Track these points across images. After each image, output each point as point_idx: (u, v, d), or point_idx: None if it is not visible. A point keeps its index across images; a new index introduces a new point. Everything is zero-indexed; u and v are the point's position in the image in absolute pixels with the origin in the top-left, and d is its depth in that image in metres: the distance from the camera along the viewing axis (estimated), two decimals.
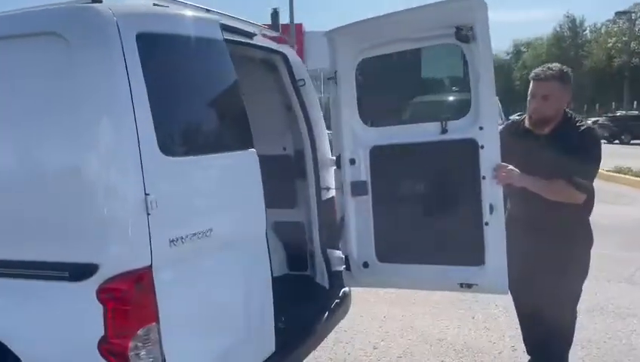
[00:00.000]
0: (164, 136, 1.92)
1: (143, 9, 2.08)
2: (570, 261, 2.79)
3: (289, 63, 3.14)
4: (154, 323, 1.85)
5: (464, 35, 2.71)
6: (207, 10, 2.60)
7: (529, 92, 2.80)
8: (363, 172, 3.12)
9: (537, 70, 2.79)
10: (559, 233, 2.77)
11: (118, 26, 1.87)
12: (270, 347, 2.43)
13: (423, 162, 3.04)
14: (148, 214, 1.81)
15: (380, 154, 3.12)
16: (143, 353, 1.82)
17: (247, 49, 2.92)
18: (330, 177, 3.31)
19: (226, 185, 2.23)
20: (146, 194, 1.81)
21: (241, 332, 2.26)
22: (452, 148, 2.89)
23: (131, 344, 1.79)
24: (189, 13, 2.26)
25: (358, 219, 3.20)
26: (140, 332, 1.82)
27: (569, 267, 2.81)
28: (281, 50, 3.12)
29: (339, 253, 3.30)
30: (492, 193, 2.78)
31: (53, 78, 1.87)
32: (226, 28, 2.51)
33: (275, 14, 3.91)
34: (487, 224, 2.82)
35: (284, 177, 3.39)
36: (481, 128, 2.78)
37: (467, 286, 2.95)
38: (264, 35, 3.17)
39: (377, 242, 3.18)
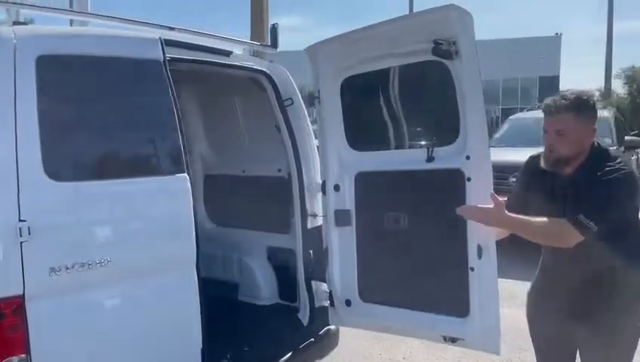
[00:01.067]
0: (53, 160, 1.85)
1: (52, 31, 2.04)
2: (616, 326, 2.19)
3: (274, 82, 2.96)
4: (23, 355, 1.77)
5: (445, 50, 2.31)
6: (170, 28, 2.53)
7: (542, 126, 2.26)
8: (347, 200, 2.83)
9: (548, 101, 2.21)
10: (601, 287, 2.20)
11: (15, 48, 1.85)
12: None
13: (407, 193, 2.67)
14: (21, 241, 1.74)
15: (364, 182, 2.80)
16: None
17: (224, 69, 2.80)
18: (317, 203, 3.05)
19: (137, 213, 2.10)
20: (20, 220, 1.74)
21: None
22: (437, 179, 2.49)
23: None
24: (111, 33, 2.19)
25: (342, 252, 2.90)
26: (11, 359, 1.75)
27: (615, 335, 2.21)
28: (262, 68, 2.93)
29: (325, 287, 3.02)
30: (481, 232, 2.33)
31: None
32: (184, 46, 2.41)
33: (273, 30, 3.69)
34: (472, 269, 2.38)
35: (279, 200, 3.19)
36: (467, 158, 2.36)
37: (451, 339, 2.52)
38: (254, 54, 3.04)
39: (360, 279, 2.86)
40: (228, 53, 2.81)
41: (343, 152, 2.86)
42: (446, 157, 2.49)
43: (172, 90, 2.23)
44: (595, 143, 2.23)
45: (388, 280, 2.77)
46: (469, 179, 2.33)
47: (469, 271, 2.39)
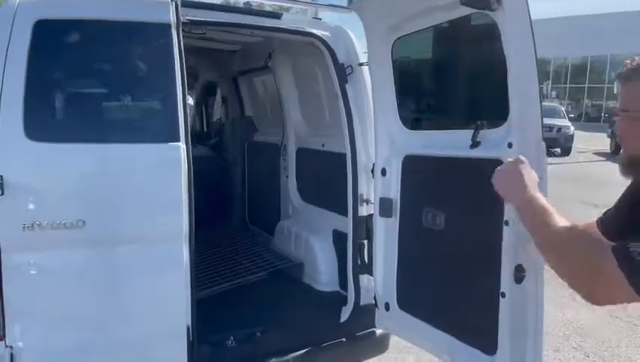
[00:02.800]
0: (34, 122, 1.92)
1: None
2: None
3: (329, 47, 2.62)
4: None
5: None
6: None
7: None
8: (392, 187, 2.41)
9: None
10: None
11: (16, 12, 1.95)
12: None
13: (447, 186, 2.13)
14: None
15: (411, 168, 2.35)
16: None
17: (274, 33, 2.59)
18: (371, 188, 2.65)
19: (117, 179, 2.05)
20: None
21: (121, 334, 2.08)
22: (476, 171, 1.90)
23: None
24: None
25: (386, 247, 2.49)
26: None
27: None
28: (314, 31, 2.62)
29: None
30: (518, 248, 1.73)
31: None
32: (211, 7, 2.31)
33: None
34: (503, 296, 1.79)
35: (335, 179, 2.88)
36: (510, 145, 1.75)
37: None
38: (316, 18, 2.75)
39: (399, 282, 2.43)
40: (278, 16, 2.58)
41: (394, 130, 2.42)
42: (492, 143, 1.89)
43: (180, 54, 2.12)
44: None
45: (421, 288, 2.29)
46: None
47: (500, 297, 1.80)
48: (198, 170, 4.80)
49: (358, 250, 2.68)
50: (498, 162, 1.74)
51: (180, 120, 2.10)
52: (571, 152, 16.75)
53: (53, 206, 1.96)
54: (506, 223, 1.76)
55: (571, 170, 13.35)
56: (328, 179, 3.11)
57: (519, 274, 1.76)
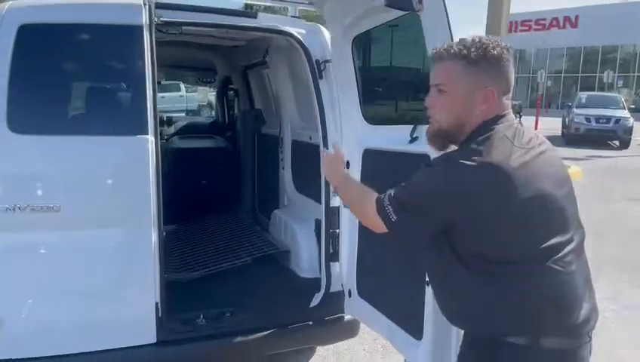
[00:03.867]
0: (16, 116, 2.17)
1: (36, 3, 2.32)
2: None
3: (303, 45, 2.74)
4: None
5: None
6: None
7: None
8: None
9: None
10: None
11: (3, 17, 2.20)
12: (147, 337, 2.38)
13: (395, 178, 2.20)
14: None
15: (368, 161, 2.44)
16: None
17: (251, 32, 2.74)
18: None
19: (91, 168, 2.28)
20: None
21: (93, 307, 2.31)
22: (409, 165, 1.98)
23: None
24: (91, 2, 2.36)
25: (350, 237, 2.60)
26: None
27: None
28: (287, 29, 2.73)
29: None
30: None
31: None
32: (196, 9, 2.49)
33: None
34: (428, 284, 1.88)
35: (318, 170, 3.00)
36: None
37: None
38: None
39: (358, 270, 2.54)
40: (254, 15, 2.72)
41: (357, 125, 2.51)
42: (423, 138, 1.96)
43: (151, 53, 2.31)
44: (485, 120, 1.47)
45: (373, 277, 2.39)
46: None
47: (426, 284, 1.88)
48: (213, 160, 5.04)
49: (330, 238, 2.80)
50: (426, 156, 1.83)
51: (149, 114, 2.30)
52: (630, 145, 15.95)
53: (32, 191, 2.21)
54: None
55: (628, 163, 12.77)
56: (313, 170, 3.24)
57: None
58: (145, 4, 2.34)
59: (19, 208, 2.17)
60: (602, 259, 4.99)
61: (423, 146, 1.94)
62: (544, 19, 37.81)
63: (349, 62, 2.43)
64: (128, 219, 2.35)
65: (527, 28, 38.42)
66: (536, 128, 21.04)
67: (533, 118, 21.95)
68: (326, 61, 2.70)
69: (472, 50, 1.41)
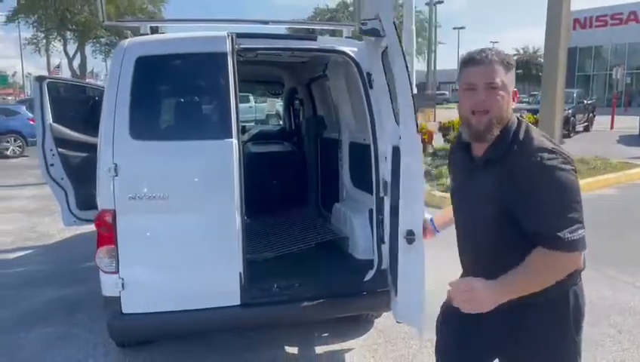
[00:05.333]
0: (135, 127, 2.86)
1: (149, 39, 3.02)
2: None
3: (355, 61, 3.27)
4: (113, 246, 2.89)
5: None
6: (264, 22, 3.26)
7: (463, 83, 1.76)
8: (387, 171, 2.95)
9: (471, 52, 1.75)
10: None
11: (124, 52, 2.91)
12: (233, 299, 3.00)
13: None
14: (112, 176, 2.83)
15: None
16: (106, 260, 2.90)
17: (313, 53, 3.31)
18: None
19: (191, 166, 2.93)
20: (113, 162, 2.83)
21: (193, 275, 2.96)
22: None
23: (101, 249, 2.89)
24: (188, 36, 3.03)
25: (390, 221, 3.09)
26: (106, 247, 2.89)
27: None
28: (342, 49, 3.28)
29: None
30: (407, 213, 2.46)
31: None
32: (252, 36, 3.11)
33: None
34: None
35: (370, 166, 3.50)
36: (399, 137, 2.55)
37: None
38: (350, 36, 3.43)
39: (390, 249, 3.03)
40: (314, 38, 3.31)
41: (389, 125, 2.98)
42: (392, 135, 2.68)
43: (234, 73, 2.94)
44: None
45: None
46: None
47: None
48: (283, 163, 5.70)
49: (380, 223, 3.31)
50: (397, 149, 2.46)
51: (233, 122, 2.93)
52: None
53: (147, 183, 2.89)
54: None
55: None
56: (367, 167, 3.76)
57: (410, 237, 2.34)
58: (228, 35, 2.99)
59: (139, 197, 2.87)
60: None
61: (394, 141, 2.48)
62: (621, 14, 36.09)
63: (381, 74, 2.93)
64: (218, 206, 2.98)
65: (603, 23, 36.85)
66: (611, 128, 20.32)
67: (609, 117, 21.20)
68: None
69: (505, 58, 1.68)
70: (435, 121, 18.37)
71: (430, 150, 11.77)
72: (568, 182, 1.58)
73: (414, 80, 20.43)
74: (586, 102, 20.81)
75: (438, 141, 12.09)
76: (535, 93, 29.04)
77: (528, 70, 50.95)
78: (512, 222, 1.65)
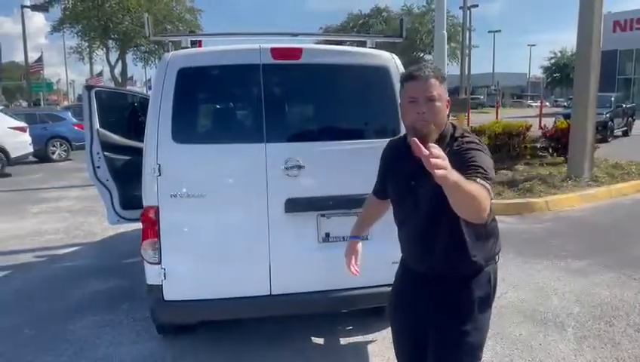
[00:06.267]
0: (176, 132, 3.16)
1: (189, 52, 3.33)
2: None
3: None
4: (156, 239, 3.19)
5: None
6: (294, 35, 3.53)
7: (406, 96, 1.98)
8: None
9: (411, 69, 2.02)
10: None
11: (167, 64, 3.22)
12: (263, 289, 3.26)
13: None
14: (156, 176, 3.14)
15: None
16: (150, 251, 3.21)
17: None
18: None
19: (222, 165, 3.22)
20: (157, 163, 3.14)
21: (227, 266, 3.23)
22: None
23: (146, 242, 3.21)
24: (224, 49, 3.32)
25: None
26: (150, 240, 3.20)
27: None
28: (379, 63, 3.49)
29: None
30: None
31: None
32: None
33: (401, 21, 3.71)
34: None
35: None
36: None
37: None
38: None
39: None
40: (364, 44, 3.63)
41: None
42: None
43: (262, 83, 3.21)
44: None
45: None
46: None
47: None
48: None
49: None
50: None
51: (264, 129, 3.20)
52: None
53: (187, 183, 3.19)
54: None
55: None
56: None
57: None
58: (259, 48, 3.26)
59: (179, 195, 3.17)
60: None
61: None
62: None
63: None
64: (250, 205, 3.25)
65: None
66: None
67: None
68: None
69: (439, 73, 1.97)
70: (468, 125, 18.32)
71: None
72: (488, 153, 1.96)
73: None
74: (624, 106, 20.38)
75: None
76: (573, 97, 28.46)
77: (566, 74, 49.85)
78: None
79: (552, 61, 55.82)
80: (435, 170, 1.50)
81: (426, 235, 2.07)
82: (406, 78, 2.00)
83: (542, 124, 14.03)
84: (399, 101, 2.04)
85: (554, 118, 17.88)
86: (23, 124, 14.54)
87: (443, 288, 2.09)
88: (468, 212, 1.74)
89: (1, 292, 5.10)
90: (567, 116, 13.78)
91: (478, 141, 2.02)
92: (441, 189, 1.65)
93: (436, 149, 1.53)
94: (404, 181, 2.09)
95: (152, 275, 3.23)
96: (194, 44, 3.58)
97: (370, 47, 3.66)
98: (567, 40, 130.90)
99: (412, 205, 2.08)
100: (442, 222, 1.99)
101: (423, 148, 1.51)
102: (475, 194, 1.67)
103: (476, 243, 2.05)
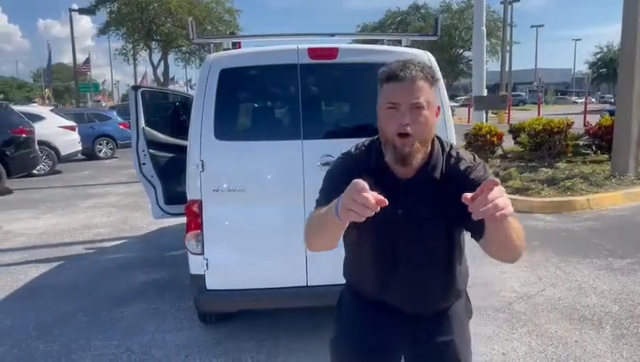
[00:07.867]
0: (218, 129, 3.32)
1: (230, 54, 3.49)
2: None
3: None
4: (199, 231, 3.37)
5: None
6: (331, 35, 3.66)
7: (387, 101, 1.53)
8: None
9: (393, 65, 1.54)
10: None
11: (210, 65, 3.39)
12: (300, 280, 3.39)
13: None
14: (200, 172, 3.31)
15: None
16: (194, 243, 3.39)
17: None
18: None
19: (262, 161, 3.36)
20: (200, 159, 3.31)
21: (266, 258, 3.38)
22: None
23: (190, 234, 3.39)
24: (263, 50, 3.46)
25: None
26: (193, 232, 3.39)
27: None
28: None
29: None
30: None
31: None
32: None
33: (436, 20, 3.72)
34: None
35: None
36: None
37: None
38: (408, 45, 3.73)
39: None
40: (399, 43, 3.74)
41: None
42: None
43: (299, 82, 3.34)
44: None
45: None
46: None
47: None
48: None
49: None
50: None
51: (301, 125, 3.33)
52: None
53: (228, 178, 3.35)
54: None
55: None
56: None
57: None
58: (297, 49, 3.39)
59: (221, 189, 3.33)
60: None
61: None
62: None
63: None
64: (288, 199, 3.38)
65: None
66: None
67: None
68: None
69: (429, 72, 1.50)
70: (508, 123, 18.01)
71: (500, 152, 11.70)
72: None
73: (484, 81, 20.22)
74: None
75: (509, 143, 11.95)
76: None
77: (613, 69, 48.14)
78: (449, 233, 1.65)
79: (598, 56, 54.10)
80: (500, 213, 1.18)
81: (423, 278, 1.69)
82: (386, 78, 1.52)
83: (586, 121, 13.66)
84: (378, 104, 1.57)
85: (599, 115, 17.36)
86: (72, 123, 15.24)
87: (429, 322, 1.77)
88: (513, 251, 1.43)
89: (57, 281, 5.43)
90: (612, 113, 13.37)
91: (474, 154, 1.68)
92: (445, 221, 1.51)
93: (497, 189, 1.20)
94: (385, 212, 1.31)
95: (196, 265, 3.41)
96: (234, 45, 3.74)
97: (405, 46, 3.74)
98: (613, 34, 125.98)
99: (399, 239, 1.66)
100: (441, 261, 1.69)
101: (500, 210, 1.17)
102: (519, 226, 1.40)
103: (460, 270, 1.77)
